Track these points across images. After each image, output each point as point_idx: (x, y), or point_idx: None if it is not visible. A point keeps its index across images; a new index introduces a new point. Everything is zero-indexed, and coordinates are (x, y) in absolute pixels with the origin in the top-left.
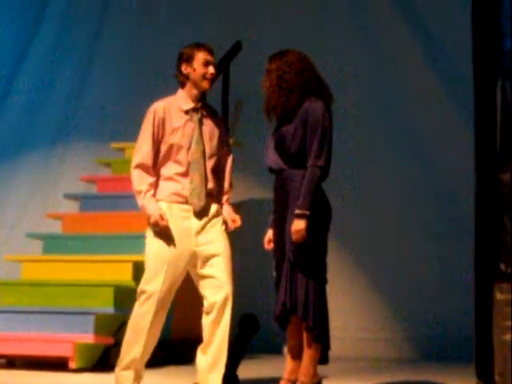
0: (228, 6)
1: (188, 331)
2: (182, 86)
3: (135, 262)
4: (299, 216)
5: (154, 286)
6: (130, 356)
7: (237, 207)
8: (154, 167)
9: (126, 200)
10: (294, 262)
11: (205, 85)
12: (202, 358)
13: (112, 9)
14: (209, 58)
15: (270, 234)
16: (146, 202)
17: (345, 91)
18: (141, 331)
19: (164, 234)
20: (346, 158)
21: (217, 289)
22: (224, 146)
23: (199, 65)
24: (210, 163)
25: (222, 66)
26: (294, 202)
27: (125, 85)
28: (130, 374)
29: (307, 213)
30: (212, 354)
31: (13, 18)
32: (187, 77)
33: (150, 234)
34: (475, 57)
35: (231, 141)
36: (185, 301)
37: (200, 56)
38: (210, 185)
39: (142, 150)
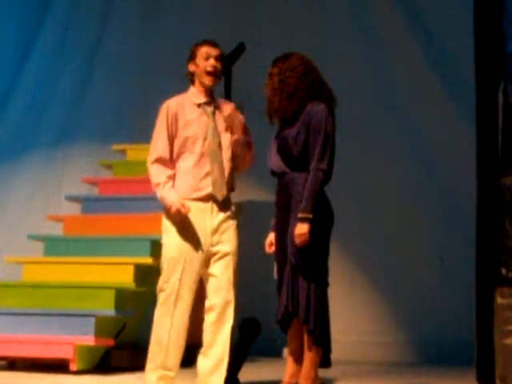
0: (229, 6)
1: (189, 335)
2: (192, 83)
3: (136, 264)
4: (302, 220)
5: (172, 286)
6: (154, 357)
7: (237, 209)
8: (171, 159)
9: (127, 202)
10: (295, 265)
11: (207, 81)
12: (203, 361)
13: (114, 10)
14: (210, 51)
15: (271, 237)
16: (165, 192)
17: (344, 92)
18: (162, 332)
19: (181, 228)
20: (347, 160)
21: (218, 291)
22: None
23: (201, 59)
24: (226, 154)
25: (225, 68)
26: (296, 206)
27: (127, 87)
28: (155, 376)
29: (310, 216)
30: (213, 357)
31: (15, 20)
32: (194, 74)
33: (166, 231)
34: (477, 60)
35: None
36: None
37: (202, 50)
38: (228, 175)
39: (157, 145)
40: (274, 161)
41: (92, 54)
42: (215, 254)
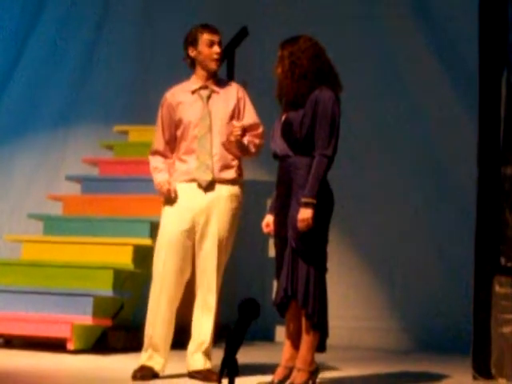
0: None
1: (179, 317)
2: (193, 68)
3: (135, 245)
4: (306, 204)
5: (158, 266)
6: (146, 335)
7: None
8: (168, 150)
9: (127, 183)
10: (295, 249)
11: (212, 65)
12: (192, 341)
13: None
14: (213, 37)
15: (268, 218)
16: (155, 176)
17: (346, 79)
18: (151, 310)
19: (172, 209)
20: (347, 147)
21: (202, 274)
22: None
23: (204, 46)
24: (220, 139)
25: (228, 52)
26: (298, 190)
27: (129, 68)
28: (144, 355)
29: (314, 202)
30: (195, 338)
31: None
32: (194, 59)
33: (163, 214)
34: (481, 50)
35: None
36: None
37: (204, 37)
38: (220, 160)
39: (155, 138)
40: (278, 143)
41: (95, 35)
42: (202, 233)
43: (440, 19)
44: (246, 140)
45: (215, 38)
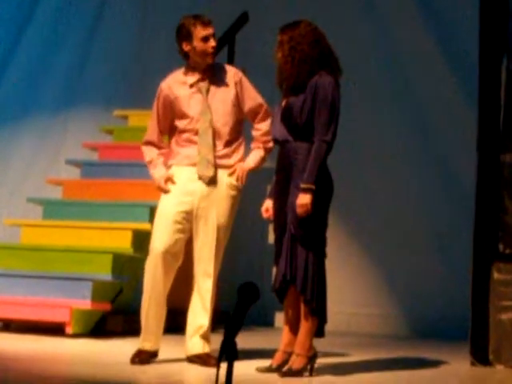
0: None
1: (176, 301)
2: (186, 59)
3: (134, 229)
4: (305, 190)
5: (154, 245)
6: (142, 316)
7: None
8: (162, 141)
9: (127, 168)
10: (295, 234)
11: (208, 60)
12: (188, 326)
13: None
14: (207, 32)
15: (268, 203)
16: (152, 168)
17: (346, 65)
18: (145, 289)
19: (170, 194)
20: (346, 133)
21: (199, 261)
22: (250, 106)
23: (199, 41)
24: (223, 130)
25: (228, 38)
26: (298, 175)
27: (129, 52)
28: (141, 338)
29: (313, 187)
30: (193, 323)
31: None
32: (188, 54)
33: (161, 196)
34: (481, 37)
35: None
36: None
37: (198, 32)
38: (223, 150)
39: (149, 127)
40: (278, 128)
41: (95, 19)
42: (202, 218)
43: (440, 8)
44: (253, 160)
45: (209, 32)
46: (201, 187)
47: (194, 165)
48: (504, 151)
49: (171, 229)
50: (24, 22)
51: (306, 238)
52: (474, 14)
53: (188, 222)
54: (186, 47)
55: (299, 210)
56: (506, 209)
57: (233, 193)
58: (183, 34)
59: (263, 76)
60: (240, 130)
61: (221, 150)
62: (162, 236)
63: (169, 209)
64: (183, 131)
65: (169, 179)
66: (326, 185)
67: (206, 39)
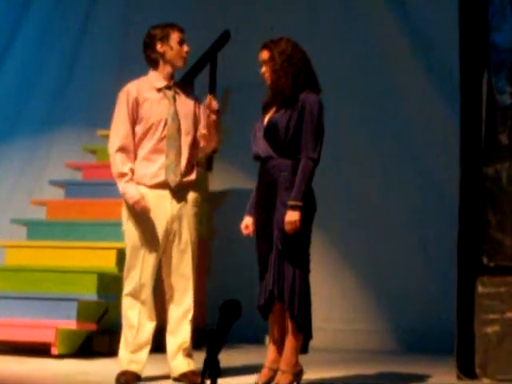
0: None
1: (160, 320)
2: (155, 65)
3: (119, 249)
4: (293, 207)
5: (136, 276)
6: (126, 338)
7: (221, 195)
8: (133, 147)
9: (110, 187)
10: (281, 250)
11: (180, 63)
12: (169, 340)
13: None
14: (183, 36)
15: (247, 220)
16: (127, 186)
17: (328, 78)
18: (131, 320)
19: (141, 217)
20: (330, 146)
21: (176, 281)
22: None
23: (175, 43)
24: (186, 140)
25: (210, 56)
26: (283, 192)
27: (114, 71)
28: (127, 355)
29: (301, 204)
30: (178, 337)
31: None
32: (162, 55)
33: (126, 219)
34: (462, 51)
35: None
36: None
37: (175, 35)
38: (186, 162)
39: (120, 132)
40: (261, 145)
41: (79, 38)
42: (174, 241)
43: (420, 20)
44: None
45: (184, 38)
46: (172, 210)
47: (158, 185)
48: (486, 164)
49: (142, 257)
50: (7, 43)
51: (292, 254)
52: (454, 28)
53: (156, 246)
54: (160, 48)
55: (288, 227)
56: (489, 222)
57: (196, 209)
58: (159, 36)
59: (248, 96)
60: (196, 147)
61: (186, 158)
62: (136, 267)
63: (139, 237)
64: (145, 138)
65: (147, 206)
66: (310, 201)
67: (181, 43)
